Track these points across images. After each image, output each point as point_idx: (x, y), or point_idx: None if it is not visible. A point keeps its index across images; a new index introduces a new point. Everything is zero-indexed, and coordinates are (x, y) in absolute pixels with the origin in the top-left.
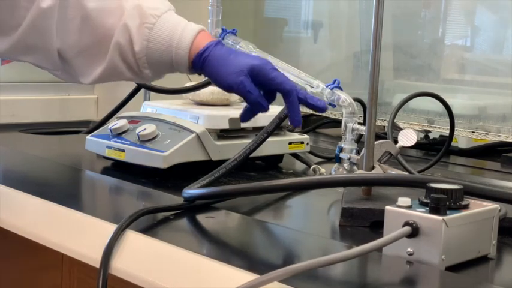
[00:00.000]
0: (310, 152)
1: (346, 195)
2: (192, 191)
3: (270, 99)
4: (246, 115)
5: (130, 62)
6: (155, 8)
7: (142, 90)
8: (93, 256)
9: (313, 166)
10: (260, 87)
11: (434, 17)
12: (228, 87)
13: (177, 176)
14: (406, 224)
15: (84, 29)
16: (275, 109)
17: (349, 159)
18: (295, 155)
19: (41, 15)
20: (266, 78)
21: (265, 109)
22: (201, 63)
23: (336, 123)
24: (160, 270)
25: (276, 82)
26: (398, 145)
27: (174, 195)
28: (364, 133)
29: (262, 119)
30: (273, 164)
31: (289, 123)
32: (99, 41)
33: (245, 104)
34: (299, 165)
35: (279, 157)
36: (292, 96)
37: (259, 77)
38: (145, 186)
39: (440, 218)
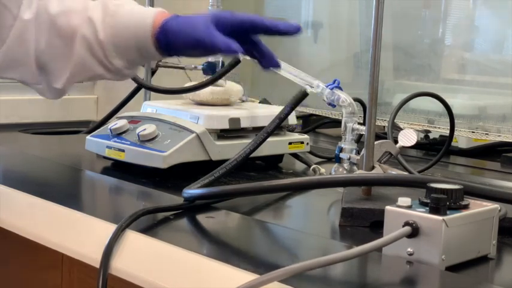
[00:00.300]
0: (310, 152)
1: (346, 195)
2: (192, 191)
3: (241, 43)
4: (263, 62)
5: (97, 53)
6: None
7: (143, 90)
8: (93, 256)
9: (313, 166)
10: (227, 33)
11: (434, 17)
12: (196, 43)
13: (177, 176)
14: (406, 224)
15: (52, 32)
16: (275, 109)
17: (349, 159)
18: (295, 155)
19: (23, 28)
20: (229, 20)
21: (234, 50)
22: (166, 37)
23: (336, 123)
24: (160, 270)
25: (239, 19)
26: (398, 145)
27: (174, 195)
28: (364, 133)
29: (262, 119)
30: (273, 164)
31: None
32: (66, 39)
33: (244, 104)
34: (299, 165)
35: (279, 157)
36: (262, 24)
37: (220, 23)
38: (145, 186)
39: (440, 218)
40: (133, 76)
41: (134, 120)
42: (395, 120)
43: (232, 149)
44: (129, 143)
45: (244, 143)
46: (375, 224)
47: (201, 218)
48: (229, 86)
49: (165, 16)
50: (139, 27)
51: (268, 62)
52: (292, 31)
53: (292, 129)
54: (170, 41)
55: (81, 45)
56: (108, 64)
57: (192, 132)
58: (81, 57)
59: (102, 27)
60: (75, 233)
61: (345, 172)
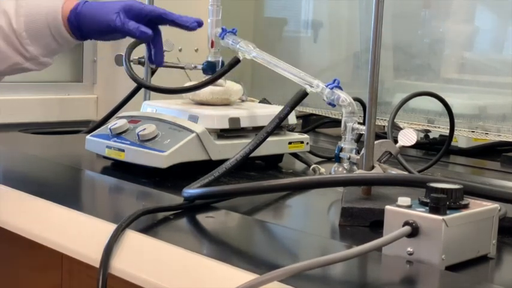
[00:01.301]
0: (310, 152)
1: (346, 194)
2: (192, 190)
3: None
4: (153, 55)
5: (13, 42)
6: None
7: (142, 90)
8: (93, 256)
9: (313, 166)
10: (137, 20)
11: (434, 17)
12: (107, 26)
13: (176, 175)
14: (406, 223)
15: None
16: (275, 109)
17: (349, 158)
18: (295, 155)
19: None
20: (137, 9)
21: (148, 34)
22: (77, 20)
23: (336, 122)
24: (160, 269)
25: (147, 10)
26: (398, 145)
27: (174, 195)
28: (364, 133)
29: (262, 119)
30: (272, 163)
31: (153, 62)
32: None
33: (244, 104)
34: (299, 165)
35: (279, 157)
36: (167, 16)
37: (132, 11)
38: (145, 186)
39: (440, 217)
40: (51, 64)
41: (134, 120)
42: (395, 120)
43: (232, 149)
44: (129, 142)
45: (244, 142)
46: (374, 224)
47: (201, 217)
48: (229, 86)
49: (74, 2)
50: (50, 14)
51: (156, 56)
52: (192, 26)
53: (292, 129)
54: (82, 25)
55: None
56: (25, 52)
57: (192, 132)
58: None
59: (15, 17)
60: (75, 233)
61: (344, 172)
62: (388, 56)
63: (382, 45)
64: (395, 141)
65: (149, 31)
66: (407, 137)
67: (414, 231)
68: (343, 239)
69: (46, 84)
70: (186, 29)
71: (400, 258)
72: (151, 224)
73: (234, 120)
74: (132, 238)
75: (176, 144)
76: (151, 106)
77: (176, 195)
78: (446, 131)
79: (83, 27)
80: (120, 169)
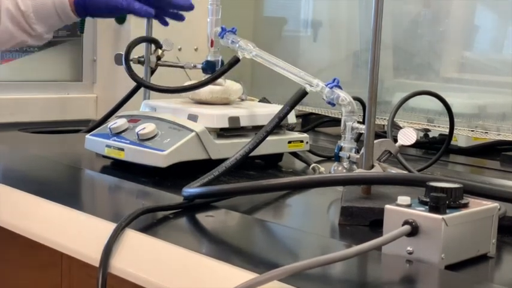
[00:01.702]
0: (310, 151)
1: (346, 194)
2: (192, 189)
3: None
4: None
5: (20, 23)
6: None
7: (142, 89)
8: (92, 255)
9: (313, 165)
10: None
11: (435, 16)
12: (114, 8)
13: (176, 175)
14: (406, 222)
15: None
16: (274, 108)
17: (348, 158)
18: (294, 154)
19: None
20: None
21: (151, 14)
22: (83, 1)
23: (336, 122)
24: (160, 269)
25: None
26: (397, 144)
27: (173, 194)
28: (363, 132)
29: (262, 118)
30: (272, 162)
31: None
32: None
33: (244, 103)
34: (299, 164)
35: (279, 156)
36: None
37: None
38: (144, 185)
39: (439, 216)
40: (50, 39)
41: (134, 119)
42: (394, 119)
43: (231, 148)
44: (128, 141)
45: (244, 141)
46: (374, 223)
47: (201, 217)
48: (229, 85)
49: None
50: None
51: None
52: (186, 7)
53: (291, 128)
54: (89, 6)
55: (5, 17)
56: (31, 31)
57: (191, 131)
58: (6, 26)
59: (20, 0)
60: (74, 232)
61: (344, 171)
62: (388, 55)
63: (381, 44)
64: (395, 141)
65: (152, 11)
66: (407, 136)
67: (414, 231)
68: (343, 238)
69: (46, 83)
70: (181, 9)
71: (399, 258)
72: (151, 223)
73: (234, 120)
74: (132, 237)
75: (176, 143)
76: (151, 105)
77: (176, 195)
78: (446, 130)
79: (89, 7)
80: (119, 168)
